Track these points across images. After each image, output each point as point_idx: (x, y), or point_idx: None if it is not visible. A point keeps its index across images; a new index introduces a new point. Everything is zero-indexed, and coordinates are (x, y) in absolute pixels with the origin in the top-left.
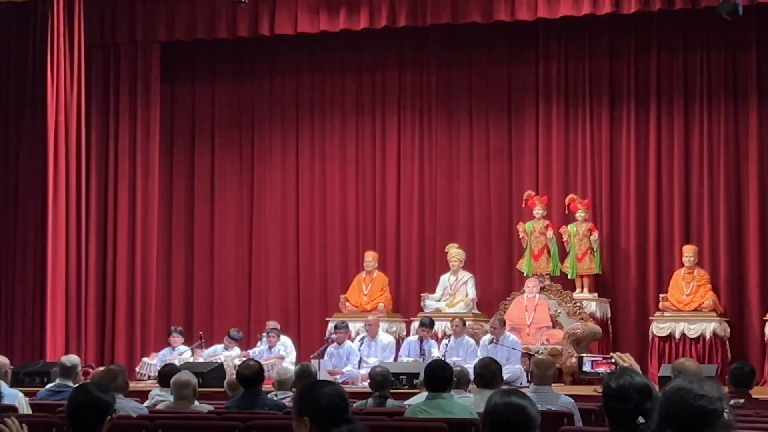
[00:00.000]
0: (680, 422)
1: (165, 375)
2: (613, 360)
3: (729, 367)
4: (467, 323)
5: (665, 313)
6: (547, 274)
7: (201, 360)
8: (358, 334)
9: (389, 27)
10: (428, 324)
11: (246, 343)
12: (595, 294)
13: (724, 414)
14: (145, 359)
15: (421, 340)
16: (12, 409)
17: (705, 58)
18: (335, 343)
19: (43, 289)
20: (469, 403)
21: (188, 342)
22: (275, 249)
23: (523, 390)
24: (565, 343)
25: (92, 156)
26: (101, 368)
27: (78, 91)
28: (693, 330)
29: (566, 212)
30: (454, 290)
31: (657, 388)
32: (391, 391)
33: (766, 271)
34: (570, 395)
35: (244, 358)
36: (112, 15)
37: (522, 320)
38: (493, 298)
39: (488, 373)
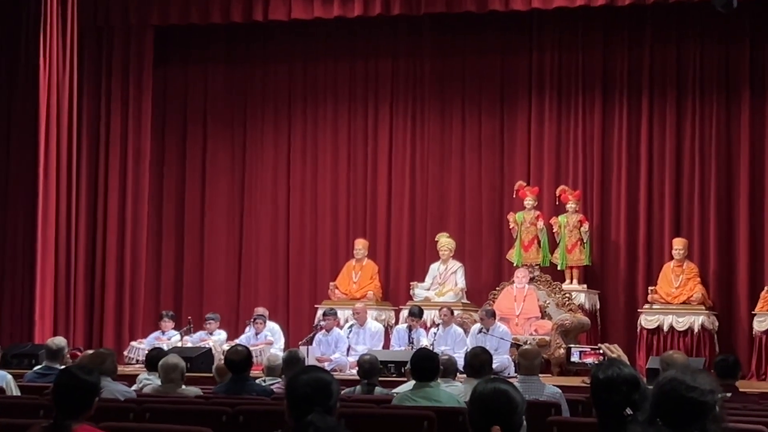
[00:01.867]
0: (672, 413)
1: (152, 359)
2: (601, 351)
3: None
4: (456, 312)
5: (654, 306)
6: (536, 265)
7: (189, 345)
8: (347, 321)
9: (383, 15)
10: (417, 313)
11: (234, 329)
12: (585, 285)
13: (716, 406)
14: (133, 343)
15: (409, 329)
16: (0, 391)
17: (698, 51)
18: (324, 330)
19: (32, 272)
20: (457, 392)
21: (177, 327)
22: (265, 235)
23: (511, 380)
24: (554, 334)
25: (83, 139)
26: (89, 351)
27: (70, 74)
28: (681, 323)
29: (557, 203)
30: (444, 279)
31: (645, 380)
32: (380, 378)
33: (756, 265)
34: (558, 386)
35: (232, 344)
36: None
37: (511, 310)
38: (482, 288)
39: (477, 362)
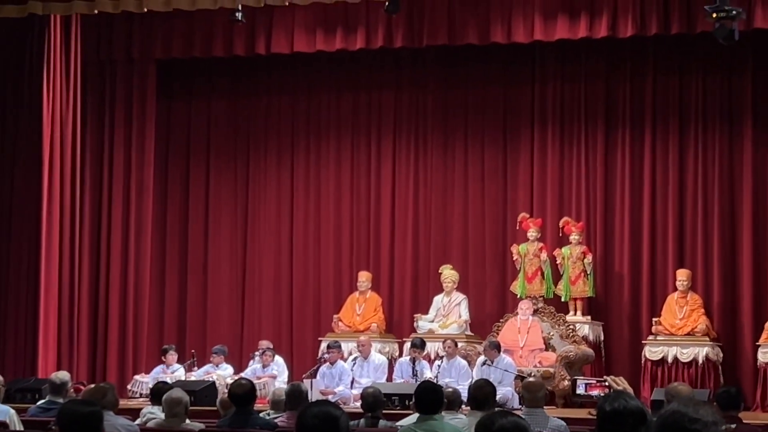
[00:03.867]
0: None
1: (157, 392)
2: (606, 383)
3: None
4: (460, 345)
5: (658, 337)
6: (540, 297)
7: (194, 378)
8: (350, 354)
9: (386, 47)
10: (420, 345)
11: (238, 362)
12: (588, 317)
13: None
14: (137, 377)
15: (413, 361)
16: (3, 426)
17: (700, 82)
18: (327, 363)
19: (35, 306)
20: (461, 424)
21: (181, 360)
22: (269, 268)
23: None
24: (558, 366)
25: (86, 172)
26: (92, 386)
27: (74, 108)
28: (686, 354)
29: (560, 235)
30: (448, 311)
31: (650, 412)
32: (384, 411)
33: (760, 297)
34: (562, 418)
35: (237, 377)
36: (109, 32)
37: (515, 342)
38: (486, 320)
39: (482, 395)
